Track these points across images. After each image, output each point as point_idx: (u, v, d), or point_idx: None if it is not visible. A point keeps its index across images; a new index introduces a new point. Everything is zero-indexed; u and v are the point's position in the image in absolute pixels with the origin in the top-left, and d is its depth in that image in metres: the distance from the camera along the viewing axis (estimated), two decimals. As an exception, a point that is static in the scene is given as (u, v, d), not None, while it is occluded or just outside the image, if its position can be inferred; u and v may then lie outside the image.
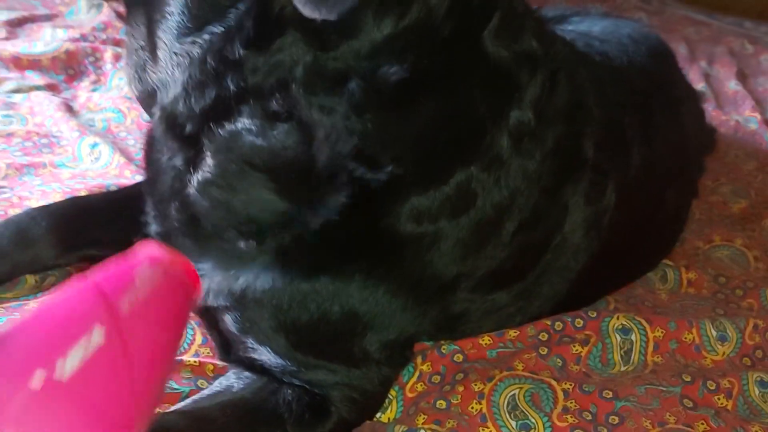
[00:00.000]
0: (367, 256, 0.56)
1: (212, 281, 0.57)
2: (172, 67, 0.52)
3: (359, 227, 0.54)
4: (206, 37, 0.50)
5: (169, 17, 0.52)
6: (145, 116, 0.90)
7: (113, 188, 0.82)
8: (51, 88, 1.04)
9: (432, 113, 0.53)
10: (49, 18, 1.24)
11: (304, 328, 0.57)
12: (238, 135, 0.52)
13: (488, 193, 0.57)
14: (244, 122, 0.51)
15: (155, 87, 0.55)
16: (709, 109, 1.39)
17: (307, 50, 0.49)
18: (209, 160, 0.54)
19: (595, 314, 0.71)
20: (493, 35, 0.55)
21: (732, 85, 1.52)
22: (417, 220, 0.55)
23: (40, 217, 0.69)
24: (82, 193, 0.79)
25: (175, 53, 0.52)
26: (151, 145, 0.63)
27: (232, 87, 0.50)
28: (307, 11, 0.44)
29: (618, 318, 0.71)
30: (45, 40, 1.13)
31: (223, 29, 0.50)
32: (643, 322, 0.70)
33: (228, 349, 0.61)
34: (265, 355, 0.58)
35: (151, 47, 0.55)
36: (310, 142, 0.51)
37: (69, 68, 1.09)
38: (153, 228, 0.62)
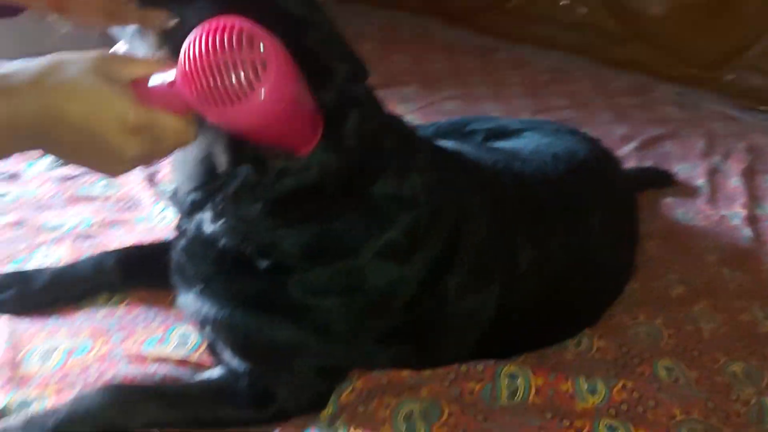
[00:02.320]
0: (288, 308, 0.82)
1: (192, 307, 0.86)
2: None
3: (276, 287, 0.81)
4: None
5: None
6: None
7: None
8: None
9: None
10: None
11: (249, 347, 0.83)
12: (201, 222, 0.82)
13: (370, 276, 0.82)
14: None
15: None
16: (700, 203, 1.53)
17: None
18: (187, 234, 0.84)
19: (493, 362, 0.92)
20: (381, 188, 0.81)
21: (734, 182, 1.64)
22: (312, 293, 0.81)
23: (112, 255, 1.03)
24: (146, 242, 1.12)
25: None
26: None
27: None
28: None
29: (510, 366, 0.92)
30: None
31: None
32: (529, 371, 0.91)
33: (211, 349, 0.89)
34: (229, 357, 0.85)
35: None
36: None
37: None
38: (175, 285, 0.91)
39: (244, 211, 0.78)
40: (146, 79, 0.62)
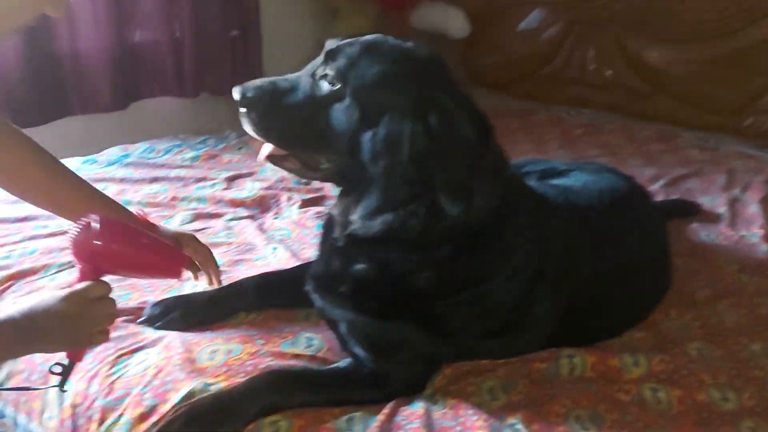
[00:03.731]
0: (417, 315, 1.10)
1: (331, 312, 1.15)
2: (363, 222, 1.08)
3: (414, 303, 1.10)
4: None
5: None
6: (304, 232, 1.56)
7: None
8: (251, 217, 1.73)
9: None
10: (250, 174, 1.98)
11: (375, 344, 1.11)
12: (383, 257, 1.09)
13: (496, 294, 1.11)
14: (391, 254, 1.08)
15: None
16: (722, 227, 1.76)
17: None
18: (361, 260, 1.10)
19: (554, 349, 1.18)
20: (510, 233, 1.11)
21: (753, 208, 1.85)
22: (449, 308, 1.09)
23: (251, 281, 1.33)
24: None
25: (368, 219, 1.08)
26: (327, 233, 1.21)
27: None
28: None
29: (567, 350, 1.17)
30: (248, 189, 1.85)
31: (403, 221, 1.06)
32: (583, 352, 1.16)
33: (343, 344, 1.16)
34: (357, 349, 1.12)
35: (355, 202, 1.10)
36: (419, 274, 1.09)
37: (261, 205, 1.78)
38: (313, 297, 1.21)
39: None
40: None
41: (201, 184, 1.89)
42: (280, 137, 1.09)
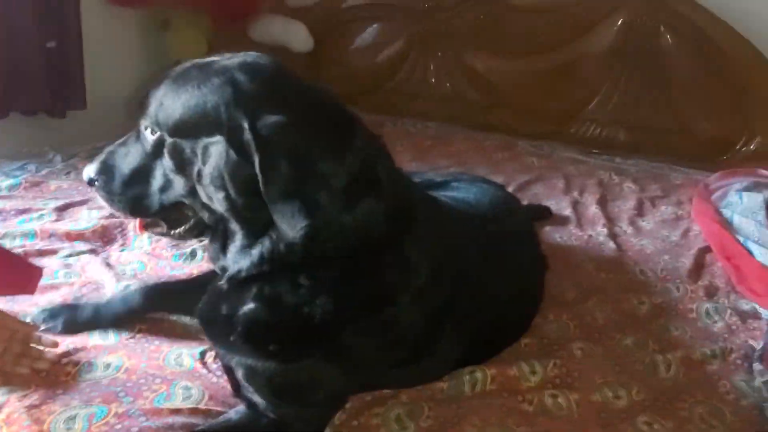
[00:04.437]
0: (316, 352, 0.97)
1: (226, 356, 1.01)
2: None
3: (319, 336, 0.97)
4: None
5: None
6: (160, 264, 1.39)
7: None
8: (92, 251, 1.50)
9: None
10: (84, 202, 1.72)
11: (279, 386, 0.98)
12: (270, 292, 0.97)
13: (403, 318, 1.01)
14: (279, 287, 0.96)
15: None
16: (572, 228, 1.88)
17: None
18: (249, 301, 0.98)
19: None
20: (408, 249, 1.00)
21: (593, 209, 2.01)
22: (355, 336, 0.98)
23: (138, 291, 1.25)
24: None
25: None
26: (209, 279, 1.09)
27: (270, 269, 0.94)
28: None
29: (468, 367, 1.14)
30: (85, 218, 1.61)
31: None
32: (484, 367, 1.14)
33: (238, 389, 1.03)
34: (255, 397, 0.99)
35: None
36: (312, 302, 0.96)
37: (104, 236, 1.56)
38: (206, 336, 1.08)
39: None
40: None
41: (25, 216, 1.62)
42: (135, 205, 1.02)
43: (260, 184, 0.86)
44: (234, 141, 0.88)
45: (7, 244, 1.47)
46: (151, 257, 1.48)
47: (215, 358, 1.16)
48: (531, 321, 1.33)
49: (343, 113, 0.97)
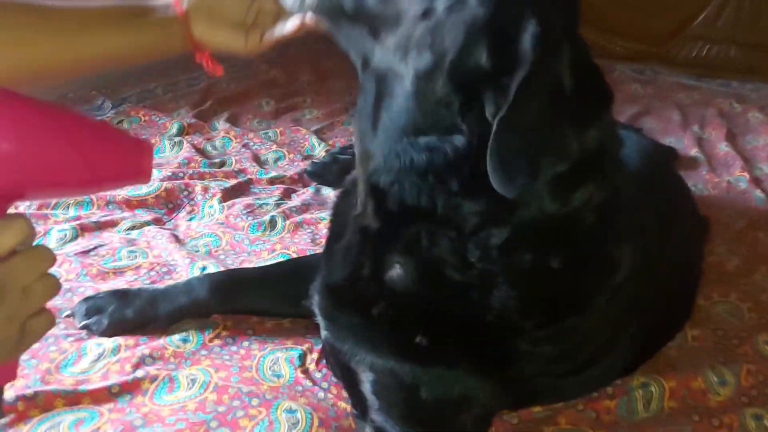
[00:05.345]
0: (479, 357, 0.75)
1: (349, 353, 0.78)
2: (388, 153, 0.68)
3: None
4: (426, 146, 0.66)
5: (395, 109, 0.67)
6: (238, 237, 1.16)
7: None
8: (157, 221, 1.29)
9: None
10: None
11: (421, 404, 0.75)
12: (428, 253, 0.70)
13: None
14: (440, 248, 0.69)
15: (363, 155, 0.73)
16: (703, 172, 1.60)
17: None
18: (397, 258, 0.72)
19: (619, 381, 0.91)
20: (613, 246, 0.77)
21: (723, 147, 1.71)
22: (532, 343, 0.76)
23: (204, 280, 1.01)
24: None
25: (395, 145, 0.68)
26: (343, 198, 0.85)
27: (439, 210, 0.67)
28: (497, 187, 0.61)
29: (637, 378, 0.90)
30: (145, 180, 1.38)
31: (443, 154, 0.65)
32: (658, 376, 0.90)
33: (361, 408, 0.81)
34: (387, 423, 0.78)
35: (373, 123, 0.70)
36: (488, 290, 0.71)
37: (169, 203, 1.34)
38: (322, 325, 0.83)
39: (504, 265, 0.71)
40: None
41: (76, 179, 1.40)
42: None
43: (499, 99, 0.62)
44: (499, 34, 0.63)
45: (61, 215, 1.27)
46: (225, 229, 1.26)
47: (318, 362, 0.95)
48: (693, 303, 1.08)
49: (602, 78, 0.72)
